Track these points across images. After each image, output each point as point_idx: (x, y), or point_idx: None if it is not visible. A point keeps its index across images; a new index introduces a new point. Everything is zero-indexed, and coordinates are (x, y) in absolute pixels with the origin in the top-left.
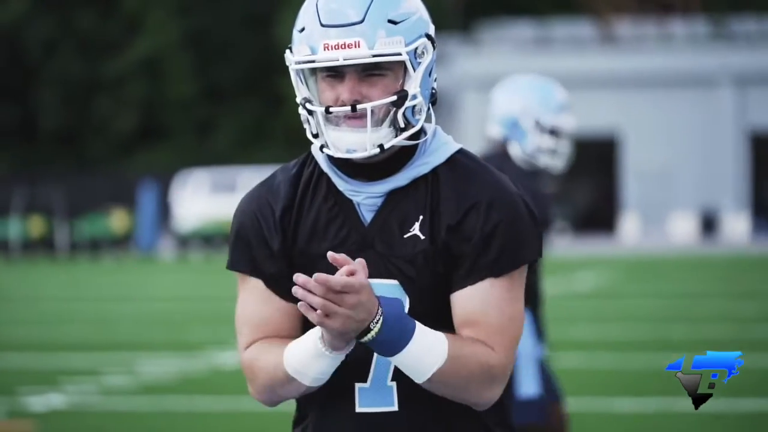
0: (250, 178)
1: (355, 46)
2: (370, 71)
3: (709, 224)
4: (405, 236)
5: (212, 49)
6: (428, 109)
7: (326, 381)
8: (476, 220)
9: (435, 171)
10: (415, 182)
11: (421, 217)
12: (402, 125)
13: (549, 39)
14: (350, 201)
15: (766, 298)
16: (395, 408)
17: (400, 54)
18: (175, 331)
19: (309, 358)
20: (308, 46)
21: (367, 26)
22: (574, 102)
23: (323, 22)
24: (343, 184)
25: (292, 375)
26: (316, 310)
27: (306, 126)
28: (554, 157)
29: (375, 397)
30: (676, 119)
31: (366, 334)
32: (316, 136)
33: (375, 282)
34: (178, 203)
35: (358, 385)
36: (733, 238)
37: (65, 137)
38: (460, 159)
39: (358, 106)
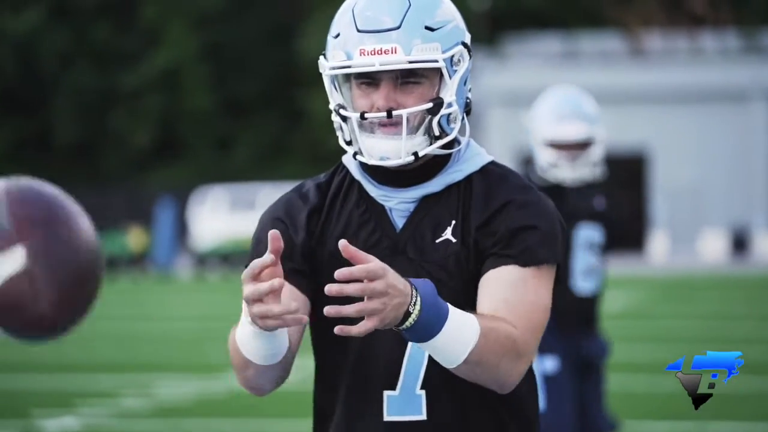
0: (269, 195)
1: (392, 52)
2: (405, 78)
3: (740, 243)
4: (437, 241)
5: (231, 62)
6: (462, 118)
7: (355, 388)
8: (504, 216)
9: (469, 178)
10: (448, 189)
11: (453, 222)
12: (437, 133)
13: (576, 53)
14: (382, 207)
15: None
16: (423, 417)
17: (436, 61)
18: (193, 352)
19: (249, 339)
20: (344, 51)
21: (403, 32)
22: (602, 117)
23: (360, 28)
24: (374, 190)
25: (246, 356)
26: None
27: (339, 133)
28: (561, 170)
29: (403, 406)
30: (707, 135)
31: (406, 319)
32: (349, 143)
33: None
34: (195, 221)
35: (386, 393)
36: (765, 257)
37: (80, 151)
38: (492, 168)
39: (394, 113)
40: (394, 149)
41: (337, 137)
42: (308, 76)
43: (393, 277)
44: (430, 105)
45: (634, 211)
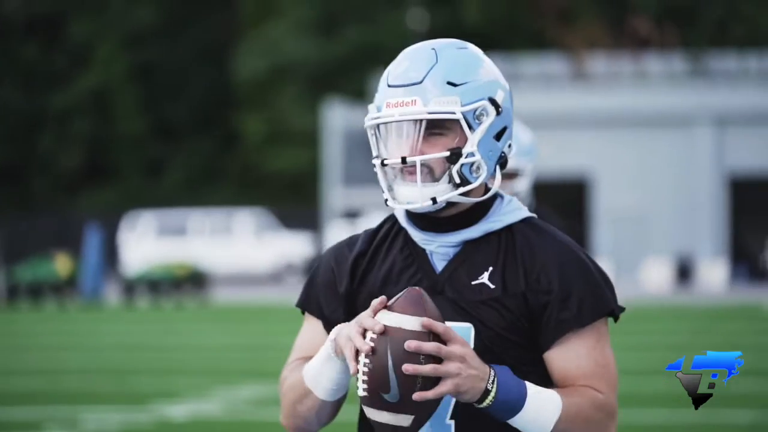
0: (200, 221)
1: (412, 104)
2: (430, 130)
3: (684, 272)
4: (473, 283)
5: (163, 84)
6: (494, 170)
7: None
8: (551, 277)
9: (510, 229)
10: (488, 237)
11: (491, 268)
12: (457, 181)
13: (518, 75)
14: (424, 251)
15: (744, 349)
16: None
17: (453, 113)
18: (121, 382)
19: (321, 363)
20: (376, 105)
21: (425, 86)
22: (544, 142)
23: (390, 83)
24: (417, 234)
25: (308, 385)
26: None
27: (381, 183)
28: None
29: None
30: (651, 161)
31: (486, 397)
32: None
33: (449, 324)
34: (125, 246)
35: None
36: (709, 287)
37: (6, 174)
38: (535, 222)
39: (408, 159)
40: (414, 195)
41: (271, 162)
42: (242, 98)
43: (471, 351)
44: (447, 154)
45: (575, 238)
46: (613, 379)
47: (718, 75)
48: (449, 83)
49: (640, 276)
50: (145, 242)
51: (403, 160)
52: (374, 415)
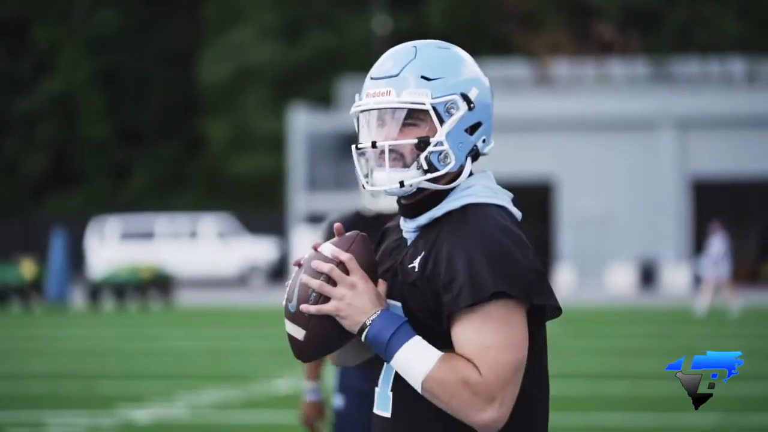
0: (165, 225)
1: (387, 94)
2: (406, 121)
3: (648, 276)
4: (409, 266)
5: (127, 89)
6: (464, 161)
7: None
8: (442, 262)
9: (449, 214)
10: (435, 222)
11: (423, 253)
12: (425, 167)
13: None
14: (403, 238)
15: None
16: (389, 415)
17: (423, 104)
18: (86, 386)
19: None
20: (359, 96)
21: (400, 79)
22: (507, 146)
23: (372, 76)
24: (403, 222)
25: None
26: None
27: (358, 169)
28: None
29: (381, 402)
30: (614, 165)
31: (363, 331)
32: (366, 176)
33: (391, 302)
34: (91, 251)
35: (376, 388)
36: (673, 291)
37: None
38: (470, 208)
39: (378, 144)
40: (383, 178)
41: (236, 167)
42: (207, 103)
43: (367, 286)
44: (414, 141)
45: (539, 242)
46: (496, 363)
47: (680, 79)
48: (423, 77)
49: (604, 280)
50: (111, 246)
51: (373, 144)
52: (285, 325)
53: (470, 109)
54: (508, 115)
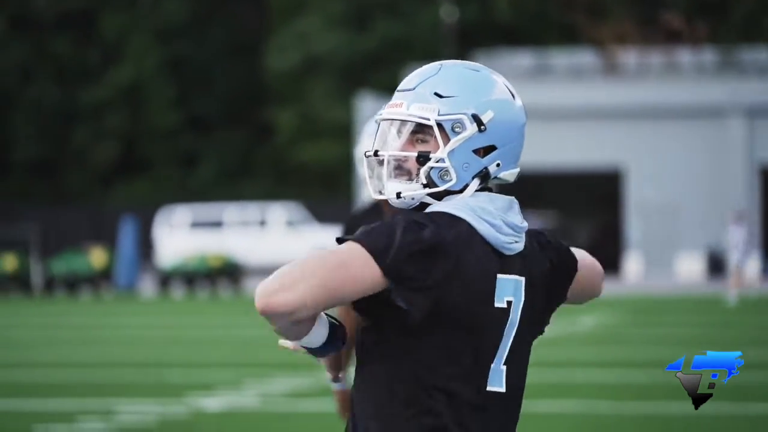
0: (235, 214)
1: (399, 107)
2: (416, 135)
3: (716, 264)
4: None
5: (195, 78)
6: (470, 181)
7: None
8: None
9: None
10: None
11: None
12: (424, 181)
13: (549, 69)
14: None
15: None
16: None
17: (428, 119)
18: (156, 374)
19: None
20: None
21: (414, 93)
22: (575, 135)
23: (397, 88)
24: None
25: None
26: None
27: (363, 174)
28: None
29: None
30: (683, 153)
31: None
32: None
33: None
34: (160, 239)
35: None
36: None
37: (41, 169)
38: (424, 213)
39: (379, 153)
40: (384, 188)
41: (303, 155)
42: (274, 91)
43: None
44: (414, 154)
45: (608, 230)
46: (283, 269)
47: (749, 68)
48: (436, 93)
49: (673, 269)
50: (180, 235)
51: (376, 153)
52: None
53: (480, 131)
54: (576, 105)
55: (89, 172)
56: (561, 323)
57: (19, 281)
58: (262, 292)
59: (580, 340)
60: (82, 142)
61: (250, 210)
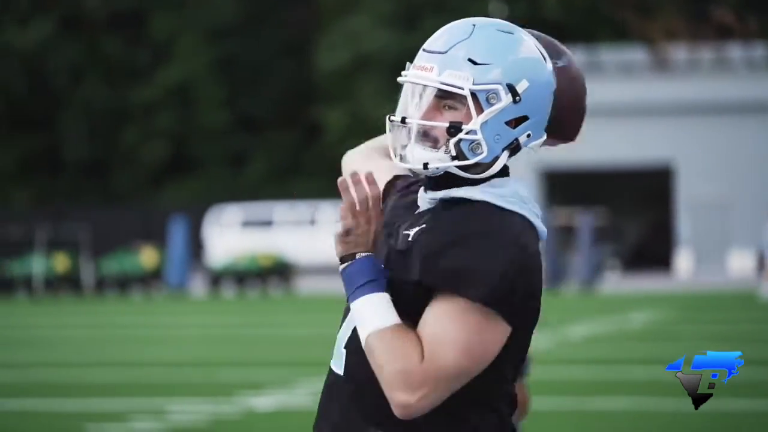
0: (285, 213)
1: (429, 71)
2: (445, 101)
3: (763, 261)
4: (404, 232)
5: (245, 77)
6: (500, 154)
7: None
8: (435, 242)
9: (457, 202)
10: (451, 202)
11: (424, 225)
12: (453, 153)
13: (598, 66)
14: (416, 205)
15: None
16: (341, 373)
17: (462, 88)
18: (207, 374)
19: None
20: (409, 64)
21: (446, 57)
22: (625, 131)
23: (424, 48)
24: (422, 190)
25: None
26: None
27: (388, 141)
28: None
29: (336, 358)
30: (734, 149)
31: (346, 261)
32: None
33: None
34: (210, 238)
35: (336, 344)
36: None
37: (91, 169)
38: (491, 207)
39: (407, 120)
40: (410, 156)
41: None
42: (323, 90)
43: (375, 227)
44: (445, 125)
45: (658, 226)
46: (442, 358)
47: None
48: (470, 60)
49: (724, 265)
50: (230, 234)
51: (403, 120)
52: None
53: (515, 102)
54: (626, 101)
55: (139, 172)
56: (612, 320)
57: (70, 281)
58: (413, 390)
59: (631, 337)
60: (132, 142)
61: (301, 209)
